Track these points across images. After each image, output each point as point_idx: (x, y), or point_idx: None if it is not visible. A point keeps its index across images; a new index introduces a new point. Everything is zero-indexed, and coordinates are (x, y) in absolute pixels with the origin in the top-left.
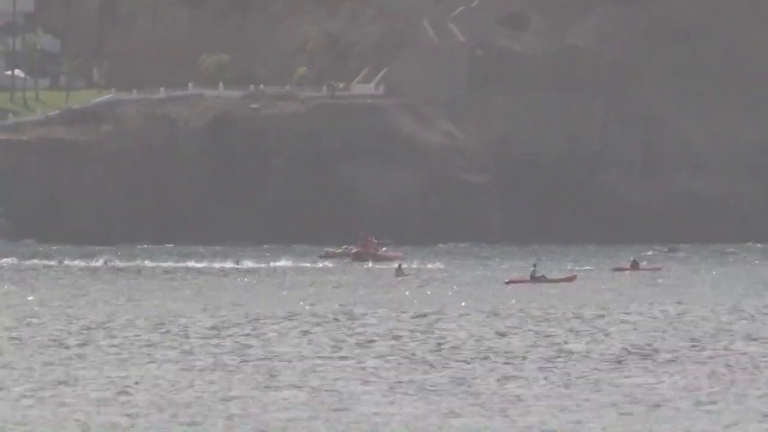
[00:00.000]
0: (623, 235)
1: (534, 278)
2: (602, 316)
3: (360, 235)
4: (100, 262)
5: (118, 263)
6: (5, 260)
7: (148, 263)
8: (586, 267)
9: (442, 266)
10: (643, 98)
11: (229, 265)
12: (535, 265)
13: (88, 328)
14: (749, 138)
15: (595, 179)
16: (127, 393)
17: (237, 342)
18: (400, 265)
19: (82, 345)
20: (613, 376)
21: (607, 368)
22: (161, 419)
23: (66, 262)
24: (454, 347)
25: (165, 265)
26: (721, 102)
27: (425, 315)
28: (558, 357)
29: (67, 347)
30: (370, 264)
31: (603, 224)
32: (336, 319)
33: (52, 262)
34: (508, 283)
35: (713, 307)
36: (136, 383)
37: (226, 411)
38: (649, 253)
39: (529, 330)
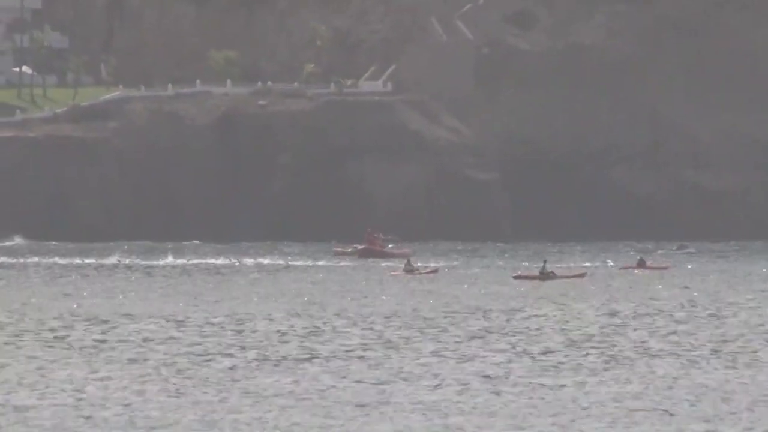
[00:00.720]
0: (631, 232)
1: (543, 274)
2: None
3: (367, 231)
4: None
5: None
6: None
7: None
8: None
9: (457, 263)
10: (649, 95)
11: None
12: (545, 261)
13: None
14: (755, 133)
15: (601, 175)
16: None
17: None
18: (409, 260)
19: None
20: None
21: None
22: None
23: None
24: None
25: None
26: (727, 98)
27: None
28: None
29: None
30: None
31: (611, 221)
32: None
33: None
34: (516, 277)
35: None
36: None
37: None
38: (659, 252)
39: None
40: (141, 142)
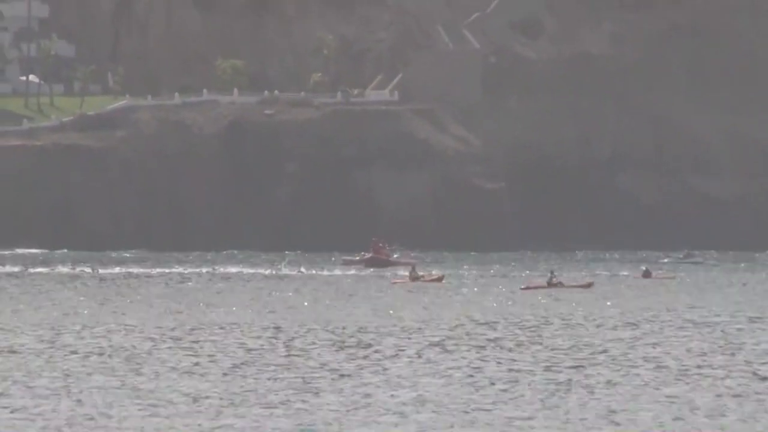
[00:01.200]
0: (639, 239)
1: (551, 285)
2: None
3: (372, 240)
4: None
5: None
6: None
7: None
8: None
9: (475, 272)
10: (655, 102)
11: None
12: (552, 272)
13: None
14: (762, 140)
15: (609, 183)
16: None
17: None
18: (414, 267)
19: None
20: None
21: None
22: None
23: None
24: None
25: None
26: (733, 104)
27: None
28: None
29: None
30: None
31: (617, 228)
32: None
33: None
34: (524, 289)
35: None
36: None
37: None
38: (665, 260)
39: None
40: (148, 150)
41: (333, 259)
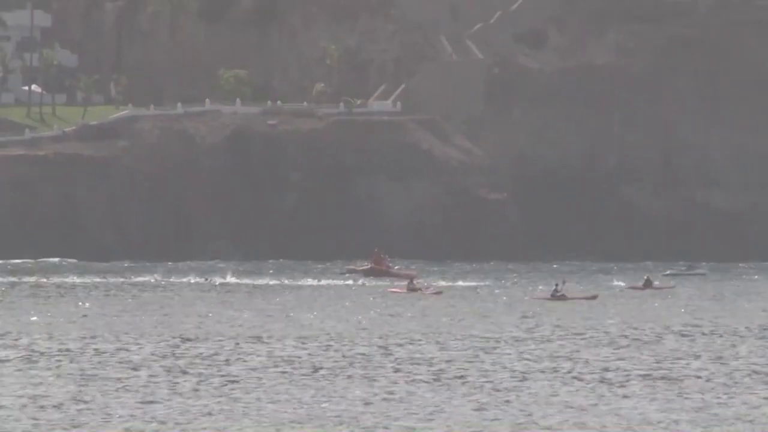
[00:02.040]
0: (644, 251)
1: (554, 297)
2: None
3: (374, 251)
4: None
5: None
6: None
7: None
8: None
9: (481, 283)
10: (661, 113)
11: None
12: (557, 284)
13: None
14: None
15: (613, 194)
16: None
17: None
18: (412, 280)
19: None
20: None
21: None
22: None
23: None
24: None
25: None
26: (739, 117)
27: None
28: None
29: None
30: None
31: (622, 239)
32: None
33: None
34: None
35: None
36: None
37: None
38: (668, 271)
39: None
40: (151, 160)
41: (325, 266)
